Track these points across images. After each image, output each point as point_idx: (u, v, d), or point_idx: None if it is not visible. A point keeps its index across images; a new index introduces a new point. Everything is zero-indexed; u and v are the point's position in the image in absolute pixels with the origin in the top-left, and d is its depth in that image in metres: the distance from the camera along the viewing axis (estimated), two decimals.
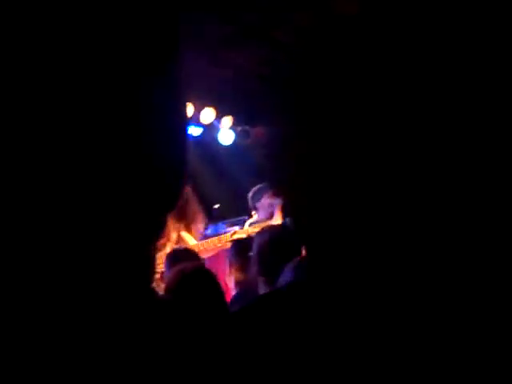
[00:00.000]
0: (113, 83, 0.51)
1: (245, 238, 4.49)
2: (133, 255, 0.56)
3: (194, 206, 5.10)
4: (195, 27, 6.00)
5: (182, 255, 3.80)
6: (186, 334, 0.60)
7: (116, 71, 0.51)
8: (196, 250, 4.80)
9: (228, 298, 3.66)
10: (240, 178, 8.08)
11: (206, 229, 5.91)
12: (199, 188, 6.92)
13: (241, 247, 3.75)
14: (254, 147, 8.14)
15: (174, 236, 4.93)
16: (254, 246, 3.05)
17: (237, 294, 3.53)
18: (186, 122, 0.61)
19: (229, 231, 5.20)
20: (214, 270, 3.19)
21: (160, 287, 4.41)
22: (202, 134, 7.93)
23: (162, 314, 0.60)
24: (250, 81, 7.36)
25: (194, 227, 5.20)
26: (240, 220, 5.74)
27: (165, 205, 0.59)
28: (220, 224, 5.99)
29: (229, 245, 4.18)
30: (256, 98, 7.06)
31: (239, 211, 6.20)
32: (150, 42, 0.55)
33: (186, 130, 0.61)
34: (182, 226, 5.05)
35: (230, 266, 3.63)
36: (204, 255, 4.91)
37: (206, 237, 5.35)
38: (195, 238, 5.15)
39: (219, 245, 4.80)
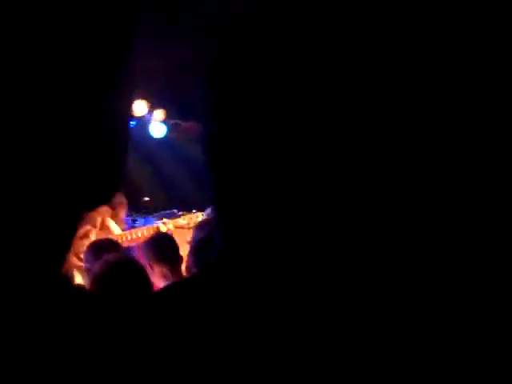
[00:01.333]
0: (61, 83, 0.52)
1: (162, 233, 4.46)
2: (49, 242, 0.56)
3: (120, 196, 5.02)
4: None
5: (105, 246, 3.73)
6: (104, 327, 0.60)
7: (67, 71, 0.52)
8: (120, 241, 4.73)
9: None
10: (171, 172, 8.01)
11: (135, 221, 5.84)
12: (129, 181, 6.82)
13: (162, 241, 3.73)
14: (186, 141, 8.07)
15: (97, 223, 4.84)
16: (193, 238, 3.06)
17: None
18: (128, 122, 0.62)
19: (157, 223, 5.15)
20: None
21: (83, 278, 4.34)
22: (133, 126, 7.81)
23: (78, 304, 0.60)
24: (184, 73, 7.29)
25: (118, 216, 5.13)
26: (169, 213, 5.69)
27: (100, 198, 0.60)
28: (149, 217, 5.92)
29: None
30: (189, 92, 7.00)
31: (169, 204, 6.16)
32: (102, 46, 0.56)
33: (128, 130, 0.62)
34: (107, 213, 4.97)
35: (152, 263, 3.59)
36: (128, 245, 4.84)
37: (133, 228, 5.28)
38: (119, 227, 5.09)
39: (146, 234, 4.75)
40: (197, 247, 3.00)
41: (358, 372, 0.53)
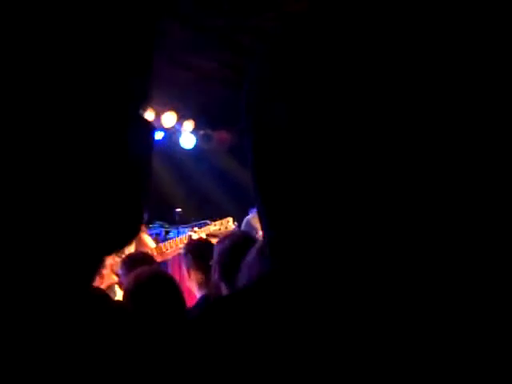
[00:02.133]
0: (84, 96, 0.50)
1: (201, 239, 4.47)
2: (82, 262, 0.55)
3: None
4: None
5: (138, 260, 3.74)
6: (140, 341, 0.58)
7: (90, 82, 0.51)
8: (156, 253, 4.76)
9: (192, 302, 3.63)
10: (202, 182, 8.05)
11: (168, 232, 5.87)
12: (161, 192, 6.87)
13: (198, 248, 3.74)
14: (216, 151, 8.11)
15: None
16: (215, 254, 3.06)
17: (202, 296, 3.51)
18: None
19: (189, 233, 5.17)
20: (174, 275, 3.16)
21: (117, 293, 4.38)
22: (163, 137, 7.88)
23: (114, 320, 0.58)
24: (212, 84, 7.34)
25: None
26: (202, 223, 5.71)
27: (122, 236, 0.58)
28: (182, 228, 5.95)
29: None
30: (218, 102, 7.05)
31: (201, 215, 6.18)
32: (124, 58, 0.55)
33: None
34: (142, 228, 5.00)
35: (189, 268, 3.61)
36: (163, 258, 4.86)
37: (167, 240, 5.31)
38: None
39: (180, 245, 4.77)
40: (222, 257, 3.00)
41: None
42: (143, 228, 5.09)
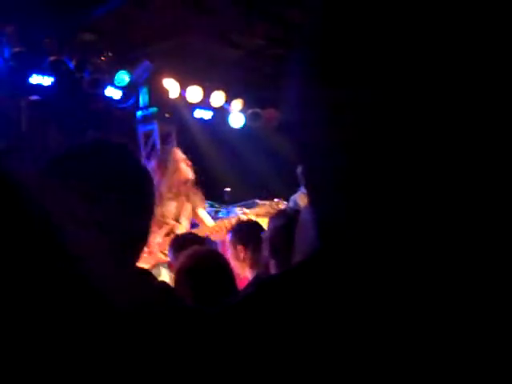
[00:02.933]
0: None
1: (250, 221, 4.48)
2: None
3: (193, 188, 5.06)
4: (205, 9, 5.96)
5: (188, 240, 3.77)
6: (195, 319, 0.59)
7: None
8: (207, 232, 4.80)
9: (242, 284, 3.65)
10: (251, 161, 8.07)
11: (217, 212, 5.91)
12: (210, 172, 6.92)
13: (247, 229, 3.76)
14: (265, 130, 8.11)
15: (186, 213, 4.90)
16: (268, 229, 3.08)
17: (255, 277, 3.53)
18: None
19: (240, 213, 5.19)
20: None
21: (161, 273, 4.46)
22: (212, 117, 7.92)
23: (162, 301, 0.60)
24: (261, 62, 7.31)
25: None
26: (251, 203, 5.74)
27: None
28: (231, 207, 5.99)
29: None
30: (266, 80, 7.02)
31: (250, 194, 6.20)
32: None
33: None
34: (201, 203, 5.03)
35: (238, 249, 3.63)
36: (216, 237, 4.91)
37: (217, 219, 5.34)
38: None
39: (229, 226, 4.80)
40: (272, 235, 3.01)
41: None
42: (203, 205, 5.11)
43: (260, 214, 5.15)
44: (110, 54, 6.80)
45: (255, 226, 3.90)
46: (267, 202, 5.44)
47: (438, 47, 0.50)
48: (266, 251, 3.02)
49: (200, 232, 4.62)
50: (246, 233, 3.69)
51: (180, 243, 3.70)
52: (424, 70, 0.50)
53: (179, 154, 5.00)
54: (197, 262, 2.70)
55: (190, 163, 4.95)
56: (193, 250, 2.86)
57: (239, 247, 3.64)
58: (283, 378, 0.52)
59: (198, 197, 4.99)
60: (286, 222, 2.96)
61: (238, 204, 5.94)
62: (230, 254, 3.73)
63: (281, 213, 3.39)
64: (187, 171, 4.90)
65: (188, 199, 4.91)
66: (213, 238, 4.78)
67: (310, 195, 0.61)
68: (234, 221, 4.81)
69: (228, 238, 3.89)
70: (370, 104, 0.52)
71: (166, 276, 4.44)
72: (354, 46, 0.53)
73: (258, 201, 5.59)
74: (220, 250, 4.56)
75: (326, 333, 0.53)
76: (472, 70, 0.49)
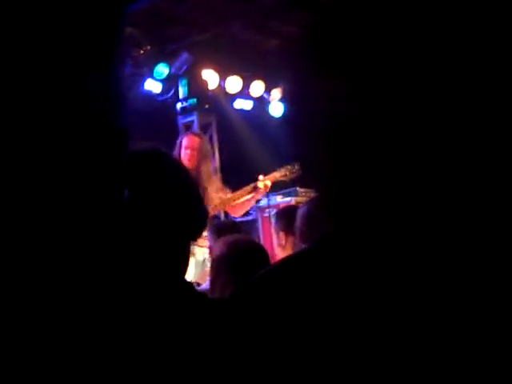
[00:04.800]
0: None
1: (290, 206, 4.50)
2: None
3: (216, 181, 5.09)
4: None
5: (227, 227, 3.83)
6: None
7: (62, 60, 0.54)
8: (226, 205, 4.86)
9: None
10: (292, 150, 8.03)
11: (258, 200, 5.93)
12: (251, 160, 6.94)
13: (288, 214, 3.77)
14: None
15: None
16: (298, 216, 3.10)
17: None
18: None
19: (280, 202, 5.20)
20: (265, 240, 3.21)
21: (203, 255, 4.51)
22: (252, 107, 7.92)
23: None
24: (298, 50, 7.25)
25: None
26: (292, 191, 5.73)
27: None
28: (272, 195, 6.00)
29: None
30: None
31: (291, 182, 6.20)
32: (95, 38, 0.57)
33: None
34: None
35: (280, 234, 3.64)
36: (235, 212, 4.95)
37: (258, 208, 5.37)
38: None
39: (246, 196, 4.85)
40: (300, 222, 3.02)
41: None
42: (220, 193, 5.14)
43: (300, 202, 5.16)
44: (148, 47, 6.86)
45: (295, 210, 3.91)
46: (308, 190, 5.43)
47: (438, 47, 0.50)
48: (296, 238, 3.05)
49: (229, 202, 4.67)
50: (287, 220, 3.71)
51: (219, 230, 3.76)
52: (424, 70, 0.51)
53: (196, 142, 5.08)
54: (236, 251, 2.73)
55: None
56: (232, 240, 2.88)
57: (281, 234, 3.66)
58: (295, 354, 0.54)
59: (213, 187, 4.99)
60: (309, 209, 2.98)
61: (279, 192, 5.95)
62: (274, 241, 3.77)
63: (307, 201, 3.40)
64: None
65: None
66: (232, 213, 4.84)
67: (312, 181, 0.62)
68: (249, 189, 4.88)
69: (276, 220, 3.93)
70: (368, 97, 0.53)
71: (200, 257, 4.54)
72: (354, 46, 0.54)
73: (298, 189, 5.58)
74: (260, 233, 4.59)
75: (331, 313, 0.54)
76: (472, 69, 0.50)
